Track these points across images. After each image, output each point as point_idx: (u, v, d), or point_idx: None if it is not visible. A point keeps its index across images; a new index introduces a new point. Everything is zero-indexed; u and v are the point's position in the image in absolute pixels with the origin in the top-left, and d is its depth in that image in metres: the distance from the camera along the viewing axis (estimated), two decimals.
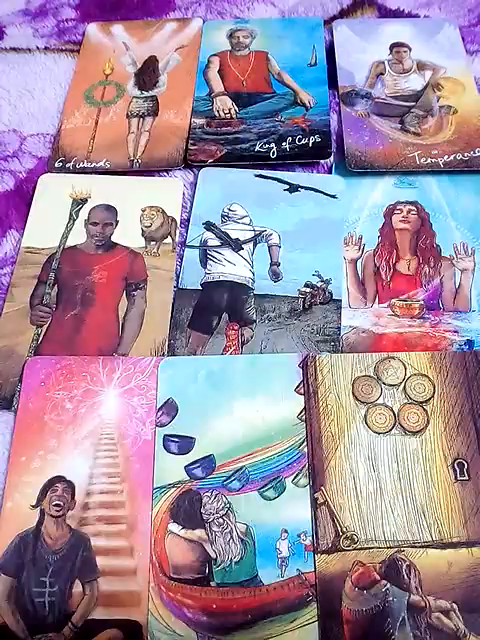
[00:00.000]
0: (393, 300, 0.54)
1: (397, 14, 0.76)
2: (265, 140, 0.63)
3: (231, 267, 0.56)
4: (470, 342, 0.52)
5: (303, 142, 0.63)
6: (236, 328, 0.53)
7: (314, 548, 0.44)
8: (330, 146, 0.63)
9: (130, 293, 0.55)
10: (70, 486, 0.46)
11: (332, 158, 0.63)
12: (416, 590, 0.42)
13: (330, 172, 0.62)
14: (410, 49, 0.71)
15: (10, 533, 0.45)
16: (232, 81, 0.69)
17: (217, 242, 0.58)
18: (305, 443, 0.47)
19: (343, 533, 0.44)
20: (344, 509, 0.45)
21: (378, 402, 0.48)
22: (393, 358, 0.50)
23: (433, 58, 0.70)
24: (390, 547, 0.44)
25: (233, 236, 0.58)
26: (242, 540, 0.44)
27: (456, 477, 0.45)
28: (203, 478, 0.46)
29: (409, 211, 0.59)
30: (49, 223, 0.59)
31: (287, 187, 0.60)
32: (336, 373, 0.49)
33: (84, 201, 0.61)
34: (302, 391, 0.49)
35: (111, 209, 0.60)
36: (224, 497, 0.46)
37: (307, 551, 0.44)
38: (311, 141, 0.63)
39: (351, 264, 0.56)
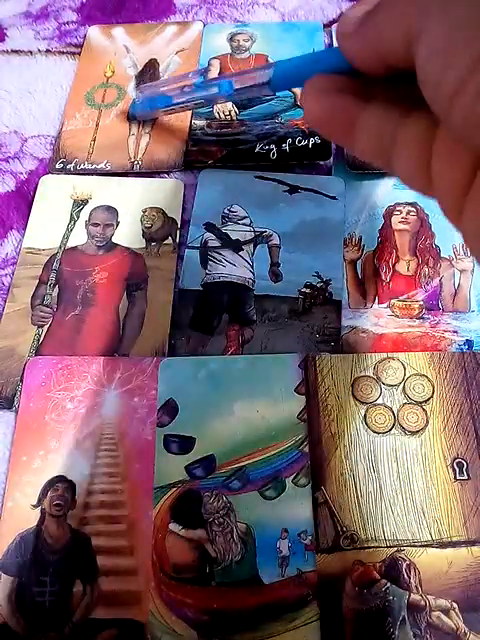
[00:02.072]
0: (393, 300, 0.54)
1: None
2: (265, 142, 0.63)
3: (231, 268, 0.57)
4: (469, 342, 0.52)
5: (303, 144, 0.63)
6: (236, 328, 0.53)
7: (314, 547, 0.44)
8: (330, 148, 0.63)
9: (131, 293, 0.56)
10: (71, 486, 0.46)
11: (332, 159, 0.63)
12: (416, 589, 0.42)
13: (330, 173, 0.63)
14: None
15: (11, 533, 0.45)
16: None
17: (217, 243, 0.58)
18: (305, 443, 0.47)
19: (343, 532, 0.44)
20: (344, 509, 0.45)
21: (378, 402, 0.49)
22: (393, 358, 0.50)
23: None
24: (390, 546, 0.44)
25: (233, 237, 0.58)
26: (242, 540, 0.44)
27: (455, 476, 0.46)
28: (203, 478, 0.46)
29: (408, 212, 0.59)
30: (50, 224, 0.60)
31: (287, 188, 0.61)
32: (336, 373, 0.50)
33: (85, 202, 0.61)
34: (302, 391, 0.49)
35: (112, 210, 0.60)
36: (224, 497, 0.46)
37: (307, 550, 0.44)
38: (311, 143, 0.63)
39: (351, 265, 0.57)
